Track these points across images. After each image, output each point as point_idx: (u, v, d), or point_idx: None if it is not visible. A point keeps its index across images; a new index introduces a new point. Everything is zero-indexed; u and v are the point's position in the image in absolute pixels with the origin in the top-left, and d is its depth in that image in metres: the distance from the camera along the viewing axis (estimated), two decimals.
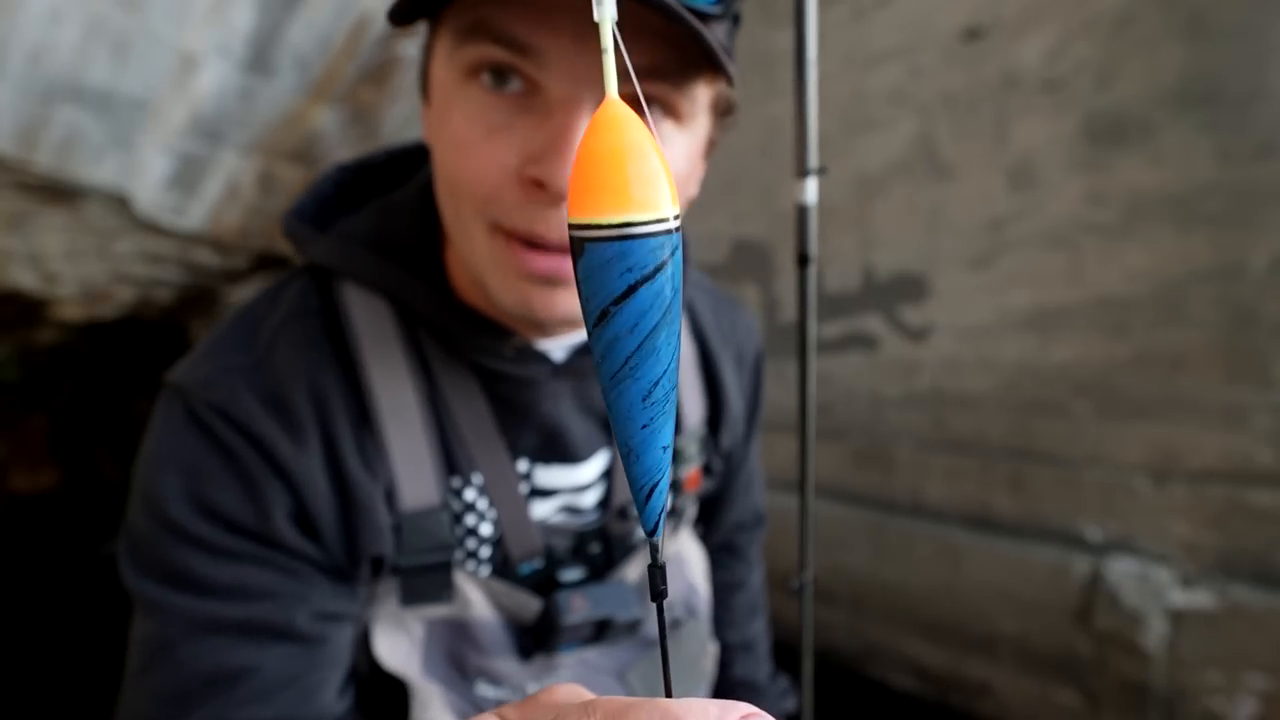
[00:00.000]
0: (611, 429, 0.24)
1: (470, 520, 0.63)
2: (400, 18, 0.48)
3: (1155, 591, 2.05)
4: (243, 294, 3.88)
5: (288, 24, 2.72)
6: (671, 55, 0.46)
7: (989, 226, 2.42)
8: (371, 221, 0.63)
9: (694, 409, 0.76)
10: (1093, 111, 2.20)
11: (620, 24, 0.43)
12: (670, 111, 0.49)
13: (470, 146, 0.48)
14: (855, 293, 2.82)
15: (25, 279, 3.12)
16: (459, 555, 0.63)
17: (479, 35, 0.46)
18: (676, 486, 0.75)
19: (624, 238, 0.22)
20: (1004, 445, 2.42)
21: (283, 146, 3.12)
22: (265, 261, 3.63)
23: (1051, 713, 2.25)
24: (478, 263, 0.54)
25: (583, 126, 0.45)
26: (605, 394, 0.24)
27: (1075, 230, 2.24)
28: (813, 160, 0.41)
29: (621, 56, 0.24)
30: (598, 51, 0.44)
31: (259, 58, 2.75)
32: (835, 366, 2.89)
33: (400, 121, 3.38)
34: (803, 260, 0.44)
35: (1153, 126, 2.09)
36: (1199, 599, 1.99)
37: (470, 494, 0.63)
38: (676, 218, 0.23)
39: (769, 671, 0.96)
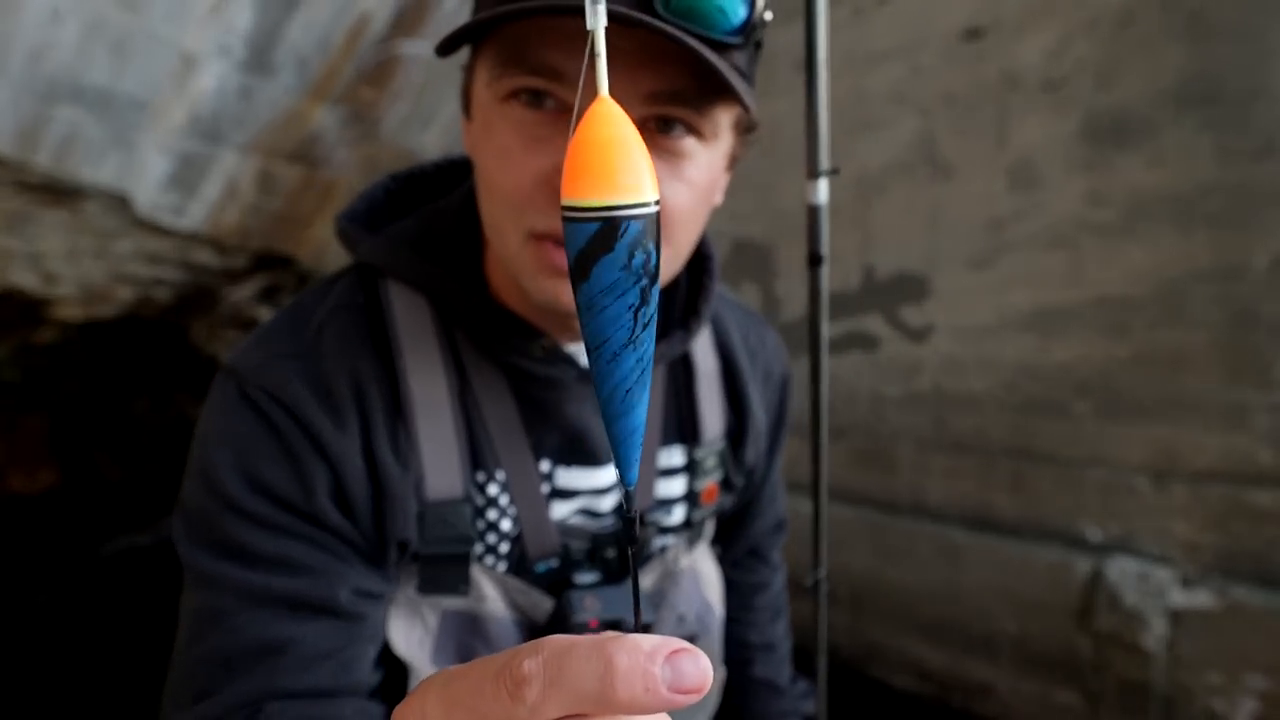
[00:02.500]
0: (596, 389, 0.26)
1: (492, 515, 0.66)
2: (445, 51, 0.54)
3: (1156, 592, 2.05)
4: (242, 294, 3.88)
5: (287, 23, 2.72)
6: (693, 81, 0.51)
7: (989, 226, 2.42)
8: (417, 225, 0.68)
9: (714, 422, 0.78)
10: (1093, 111, 2.20)
11: (646, 51, 0.48)
12: (692, 130, 0.54)
13: (509, 156, 0.53)
14: (855, 292, 2.81)
15: (25, 279, 3.12)
16: (478, 549, 0.66)
17: (516, 66, 0.51)
18: (694, 499, 0.77)
19: (612, 219, 0.24)
20: (1004, 445, 2.42)
21: (282, 146, 3.12)
22: (265, 261, 3.63)
23: (1052, 713, 2.25)
24: (512, 262, 0.58)
25: None
26: (594, 352, 0.26)
27: (1076, 230, 2.24)
28: (824, 161, 0.41)
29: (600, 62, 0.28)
30: (629, 72, 0.50)
31: (259, 57, 2.75)
32: (836, 366, 2.89)
33: (401, 121, 3.38)
34: (814, 260, 0.44)
35: (1153, 126, 2.09)
36: (1199, 599, 1.99)
37: (493, 489, 0.66)
38: (656, 202, 0.25)
39: (790, 674, 0.97)
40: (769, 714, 0.93)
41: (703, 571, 0.83)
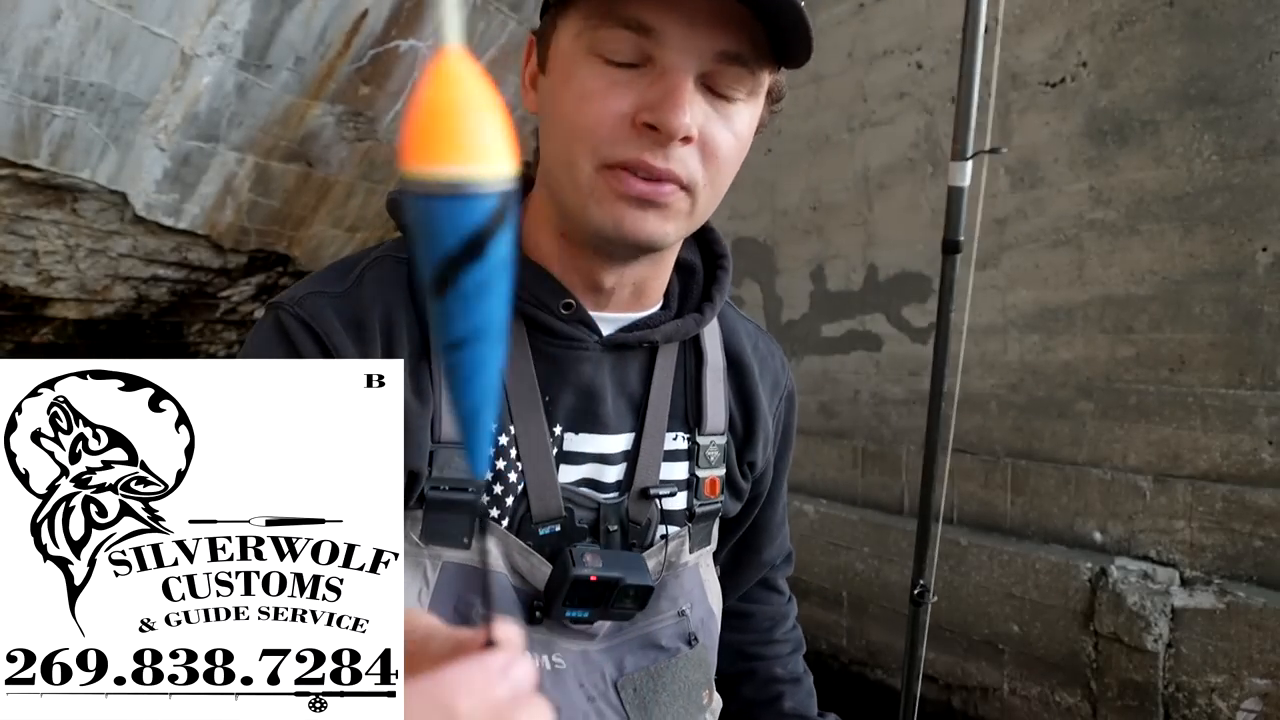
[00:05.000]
0: (446, 380, 0.26)
1: (500, 465, 0.68)
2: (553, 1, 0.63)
3: (1158, 592, 2.04)
4: (240, 292, 3.86)
5: (285, 22, 2.70)
6: (748, 45, 0.58)
7: (992, 225, 2.41)
8: None
9: (718, 413, 0.79)
10: (1095, 110, 2.19)
11: (719, 12, 0.57)
12: (740, 90, 0.61)
13: (592, 97, 0.60)
14: (858, 292, 2.81)
15: (22, 278, 3.10)
16: (484, 499, 0.68)
17: (610, 21, 0.58)
18: (695, 488, 0.77)
19: (465, 194, 0.22)
20: (1007, 446, 2.42)
21: (279, 144, 3.11)
22: (262, 260, 3.62)
23: (1054, 714, 2.24)
24: (580, 196, 0.63)
25: (689, 88, 0.57)
26: (450, 350, 0.25)
27: (1078, 229, 2.23)
28: (972, 143, 0.40)
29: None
30: (704, 31, 0.57)
31: (256, 56, 2.73)
32: (838, 367, 2.88)
33: (398, 119, 3.36)
34: (949, 247, 0.43)
35: (1155, 125, 2.08)
36: (1201, 599, 1.99)
37: (504, 440, 0.68)
38: (511, 179, 0.23)
39: (816, 707, 0.97)
40: None
41: (706, 579, 0.84)
